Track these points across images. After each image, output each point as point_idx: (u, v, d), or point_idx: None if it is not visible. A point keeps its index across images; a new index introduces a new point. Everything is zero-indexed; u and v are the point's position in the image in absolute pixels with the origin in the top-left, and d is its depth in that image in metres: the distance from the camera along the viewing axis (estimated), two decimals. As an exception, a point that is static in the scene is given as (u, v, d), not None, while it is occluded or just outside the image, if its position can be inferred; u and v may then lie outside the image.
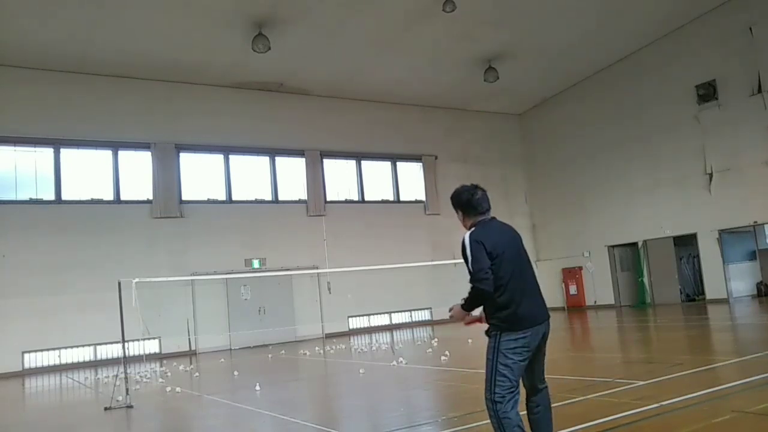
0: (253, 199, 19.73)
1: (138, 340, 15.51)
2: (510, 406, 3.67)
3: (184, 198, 18.47)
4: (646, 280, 20.86)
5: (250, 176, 19.86)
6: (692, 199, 18.94)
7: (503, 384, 3.71)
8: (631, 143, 20.84)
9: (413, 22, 16.71)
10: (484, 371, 3.84)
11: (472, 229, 3.95)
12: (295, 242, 19.61)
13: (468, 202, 4.01)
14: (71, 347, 16.32)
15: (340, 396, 8.57)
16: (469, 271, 3.79)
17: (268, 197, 20.04)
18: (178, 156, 18.61)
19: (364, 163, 21.90)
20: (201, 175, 19.04)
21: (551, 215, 24.26)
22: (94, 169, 17.61)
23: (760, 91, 17.17)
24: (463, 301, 3.90)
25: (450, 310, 4.06)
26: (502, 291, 3.77)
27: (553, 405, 5.93)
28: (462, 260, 3.92)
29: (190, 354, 17.28)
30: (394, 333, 19.06)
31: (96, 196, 17.47)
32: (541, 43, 18.88)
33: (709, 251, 18.72)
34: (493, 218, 4.04)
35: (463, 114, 24.01)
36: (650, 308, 19.61)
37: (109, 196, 17.65)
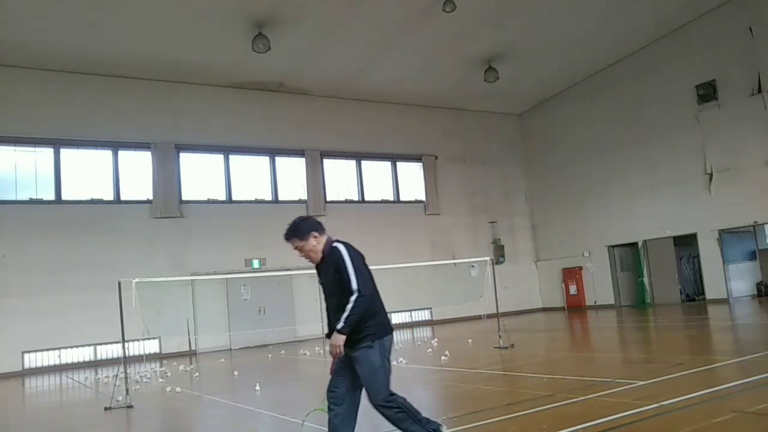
0: (253, 199, 19.72)
1: (138, 340, 15.50)
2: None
3: (184, 198, 18.46)
4: (646, 280, 20.86)
5: (250, 176, 19.85)
6: (692, 199, 18.93)
7: (389, 379, 4.15)
8: (631, 143, 20.84)
9: (413, 22, 16.70)
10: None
11: (338, 242, 4.30)
12: (295, 242, 19.56)
13: (318, 223, 4.37)
14: (71, 347, 16.31)
15: (340, 396, 8.54)
16: (351, 282, 4.07)
17: (268, 197, 20.03)
18: (178, 156, 18.60)
19: (364, 163, 21.90)
20: (201, 175, 19.02)
21: (551, 215, 24.25)
22: (94, 169, 17.60)
23: (760, 91, 17.16)
24: (343, 324, 4.05)
25: (332, 347, 4.19)
26: (375, 295, 4.19)
27: (554, 405, 5.97)
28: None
29: (190, 354, 17.28)
30: (394, 333, 19.03)
31: (96, 196, 17.46)
32: (541, 43, 18.87)
33: (709, 251, 18.72)
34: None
35: (463, 114, 24.00)
36: (650, 308, 19.61)
37: (109, 196, 17.64)
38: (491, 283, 11.97)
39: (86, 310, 16.11)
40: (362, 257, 4.28)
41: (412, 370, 10.07)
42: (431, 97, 22.36)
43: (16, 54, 15.95)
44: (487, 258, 13.02)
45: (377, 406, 4.08)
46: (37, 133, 16.61)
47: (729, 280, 18.42)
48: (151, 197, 17.90)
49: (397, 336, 17.76)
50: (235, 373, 11.95)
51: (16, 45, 15.53)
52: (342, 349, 4.10)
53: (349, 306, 3.99)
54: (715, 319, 14.51)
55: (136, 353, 16.43)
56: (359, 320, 4.04)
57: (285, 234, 4.33)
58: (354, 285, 4.03)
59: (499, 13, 16.82)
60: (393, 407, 4.06)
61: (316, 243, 4.28)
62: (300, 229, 4.29)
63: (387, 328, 4.22)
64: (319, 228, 4.33)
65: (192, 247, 18.04)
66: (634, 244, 21.25)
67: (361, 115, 21.68)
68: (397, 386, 8.56)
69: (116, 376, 9.91)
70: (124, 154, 17.97)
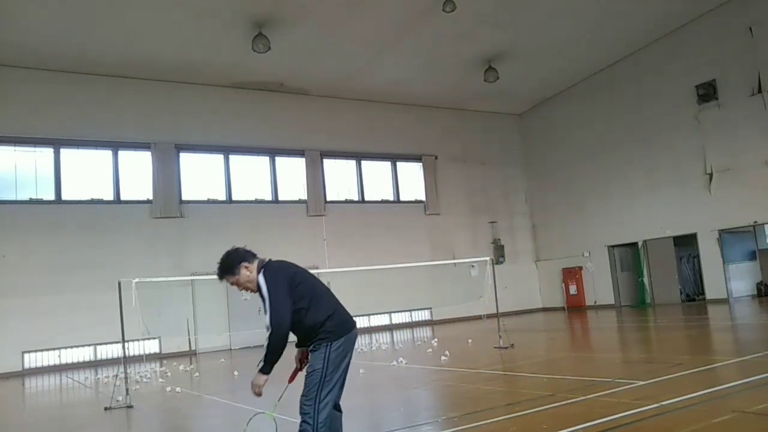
0: (253, 199, 19.72)
1: (138, 340, 15.50)
2: (326, 415, 3.88)
3: (184, 198, 18.46)
4: (646, 280, 20.86)
5: (250, 176, 19.85)
6: (692, 199, 18.94)
7: (330, 391, 3.91)
8: (631, 143, 20.84)
9: (413, 22, 16.70)
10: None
11: (263, 268, 4.07)
12: (295, 242, 19.58)
13: (246, 252, 4.13)
14: (71, 347, 16.31)
15: (340, 396, 8.55)
16: (266, 318, 3.91)
17: (268, 197, 20.03)
18: (178, 156, 18.60)
19: (364, 163, 21.90)
20: (201, 175, 19.03)
21: (551, 215, 24.26)
22: (94, 169, 17.60)
23: (760, 91, 17.16)
24: (262, 363, 3.94)
25: (254, 386, 4.04)
26: (318, 304, 3.98)
27: (554, 405, 5.97)
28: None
29: (190, 354, 17.29)
30: (394, 333, 19.05)
31: (96, 196, 17.47)
32: (541, 43, 18.87)
33: (709, 251, 18.72)
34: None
35: (462, 114, 24.00)
36: (650, 308, 19.61)
37: (109, 196, 17.64)
38: (491, 283, 11.97)
39: (86, 310, 16.11)
40: (287, 275, 4.05)
41: (413, 370, 10.07)
42: (431, 97, 22.36)
43: (16, 54, 15.96)
44: (487, 258, 13.02)
45: (300, 405, 3.94)
46: (37, 133, 16.61)
47: (729, 280, 18.42)
48: (151, 197, 17.90)
49: (398, 336, 17.76)
50: (235, 373, 11.94)
51: (16, 45, 15.53)
52: (261, 390, 3.99)
53: (264, 344, 3.89)
54: (715, 319, 14.51)
55: (136, 353, 16.43)
56: (306, 333, 4.00)
57: (217, 274, 4.15)
58: (266, 321, 3.87)
59: (499, 13, 16.82)
60: (306, 415, 3.87)
61: (249, 273, 4.07)
62: (229, 264, 4.09)
63: (341, 331, 3.99)
64: (248, 256, 4.11)
65: (192, 247, 18.03)
66: (634, 244, 21.25)
67: (361, 115, 21.69)
68: (398, 386, 8.60)
69: (116, 376, 9.92)
70: (124, 154, 17.97)
